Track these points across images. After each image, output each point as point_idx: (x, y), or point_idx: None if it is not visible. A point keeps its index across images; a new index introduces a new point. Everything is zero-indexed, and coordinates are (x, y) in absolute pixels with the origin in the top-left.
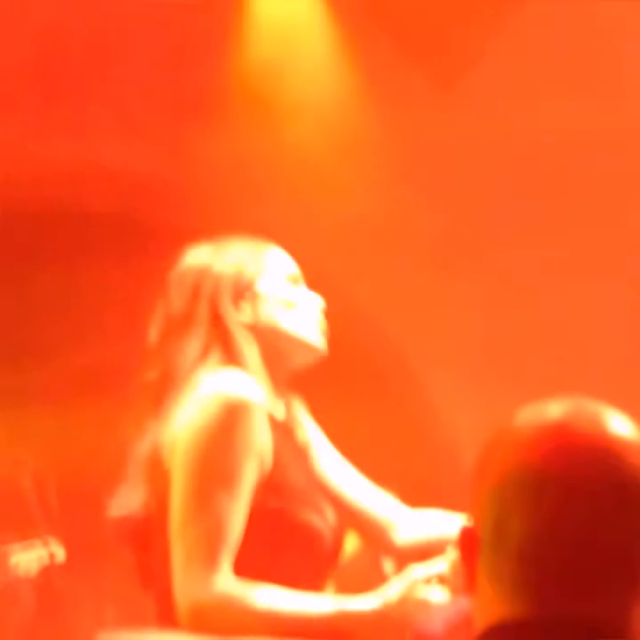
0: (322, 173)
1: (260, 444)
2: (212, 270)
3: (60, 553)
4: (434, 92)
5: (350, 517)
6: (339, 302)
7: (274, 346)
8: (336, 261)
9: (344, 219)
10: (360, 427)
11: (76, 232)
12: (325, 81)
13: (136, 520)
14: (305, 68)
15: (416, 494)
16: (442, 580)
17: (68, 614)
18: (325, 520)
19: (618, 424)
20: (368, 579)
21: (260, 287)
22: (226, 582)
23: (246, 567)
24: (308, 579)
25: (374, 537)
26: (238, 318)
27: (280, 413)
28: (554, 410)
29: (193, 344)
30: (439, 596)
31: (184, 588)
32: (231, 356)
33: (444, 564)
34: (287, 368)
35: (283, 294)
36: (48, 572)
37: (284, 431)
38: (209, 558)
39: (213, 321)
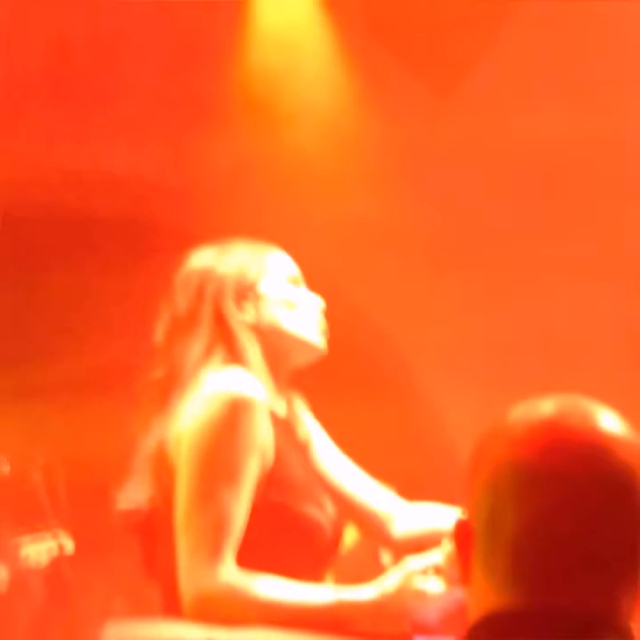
0: (322, 177)
1: (262, 440)
2: (216, 272)
3: (68, 545)
4: (429, 97)
5: (349, 510)
6: (338, 302)
7: (275, 345)
8: (336, 263)
9: (343, 221)
10: (359, 423)
11: (83, 236)
12: (325, 87)
13: (142, 513)
14: (305, 75)
15: (413, 488)
16: (438, 571)
17: (76, 604)
18: (325, 513)
19: (608, 421)
20: (366, 570)
21: (262, 288)
22: (229, 573)
23: (249, 558)
24: (309, 569)
25: (372, 529)
26: (241, 318)
27: (281, 410)
28: (546, 407)
29: (197, 343)
30: (435, 586)
31: (189, 579)
32: (234, 354)
33: (439, 555)
34: (288, 366)
35: (284, 295)
36: (57, 563)
37: (285, 427)
38: (213, 550)
39: (217, 321)
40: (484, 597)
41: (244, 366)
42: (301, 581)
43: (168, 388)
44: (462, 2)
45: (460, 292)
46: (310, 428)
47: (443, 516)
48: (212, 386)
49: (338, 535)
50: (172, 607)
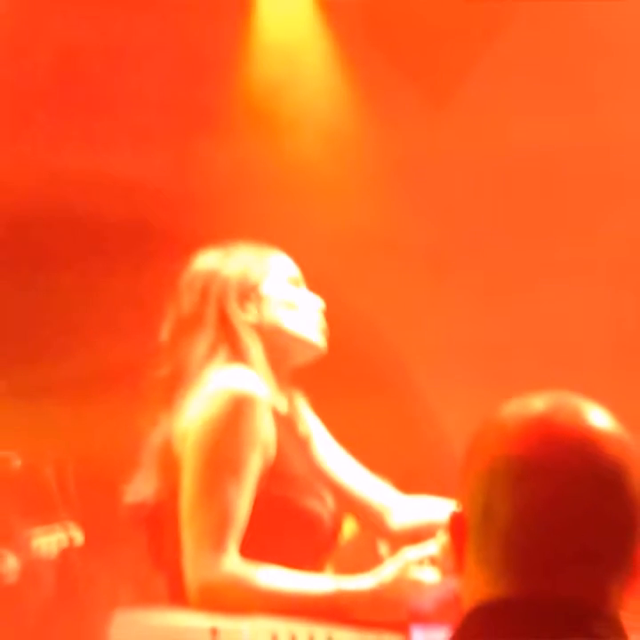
0: (321, 183)
1: (264, 435)
2: (220, 274)
3: (78, 536)
4: (426, 106)
5: (348, 503)
6: (337, 303)
7: (277, 344)
8: (335, 265)
9: (342, 225)
10: (357, 420)
11: (91, 239)
12: (325, 96)
13: (149, 505)
14: (305, 84)
15: (409, 482)
16: (433, 561)
17: (85, 593)
18: (325, 506)
19: (596, 416)
20: (365, 560)
21: (264, 289)
22: (233, 563)
23: (252, 549)
24: (309, 560)
25: (370, 521)
26: (244, 318)
27: (283, 407)
28: (537, 403)
29: (202, 342)
30: (431, 576)
31: (194, 569)
32: (237, 353)
33: (435, 546)
34: (289, 364)
35: (285, 296)
36: (67, 553)
37: (286, 423)
38: (217, 541)
39: (221, 321)
40: (478, 587)
41: (247, 364)
42: (302, 571)
43: (174, 386)
44: (457, 13)
45: (455, 294)
46: (310, 424)
47: (438, 509)
48: (216, 383)
49: (337, 527)
50: (177, 596)
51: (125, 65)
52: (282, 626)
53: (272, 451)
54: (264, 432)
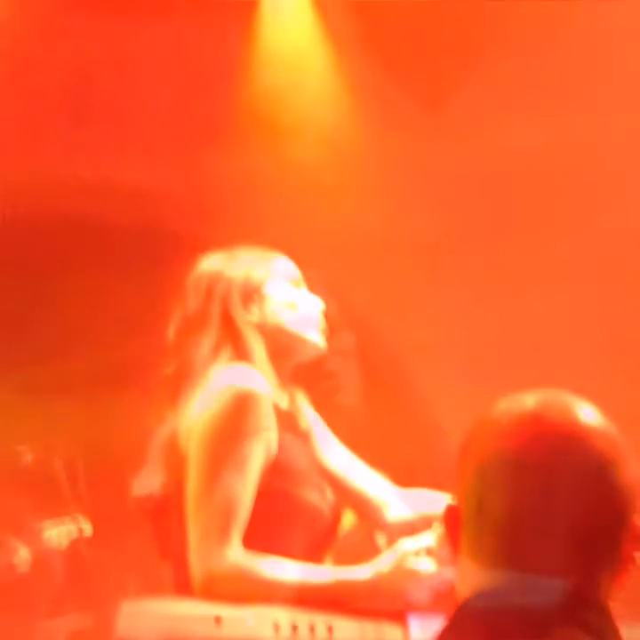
0: (322, 187)
1: (266, 431)
2: (224, 275)
3: (87, 528)
4: (423, 112)
5: (347, 496)
6: (336, 303)
7: (279, 343)
8: (335, 267)
9: (343, 228)
10: (356, 415)
11: (101, 243)
12: (325, 104)
13: (156, 498)
14: (307, 93)
15: (406, 475)
16: (429, 552)
17: (94, 583)
18: (325, 499)
19: (585, 413)
20: (363, 551)
21: (267, 290)
22: (236, 554)
23: (254, 541)
24: (309, 551)
25: (368, 514)
26: (247, 318)
27: (284, 403)
28: (529, 401)
29: (206, 341)
30: (427, 566)
31: (199, 560)
32: (241, 352)
33: (431, 538)
34: (290, 363)
35: (286, 297)
36: (76, 544)
37: (287, 419)
38: (221, 533)
39: (225, 320)
40: (472, 577)
41: (250, 363)
42: (303, 562)
43: (179, 383)
44: (454, 19)
45: (451, 292)
46: (311, 420)
47: (434, 502)
48: (220, 381)
49: (336, 519)
50: (183, 586)
51: (135, 76)
52: (283, 614)
53: (274, 446)
54: (266, 428)
